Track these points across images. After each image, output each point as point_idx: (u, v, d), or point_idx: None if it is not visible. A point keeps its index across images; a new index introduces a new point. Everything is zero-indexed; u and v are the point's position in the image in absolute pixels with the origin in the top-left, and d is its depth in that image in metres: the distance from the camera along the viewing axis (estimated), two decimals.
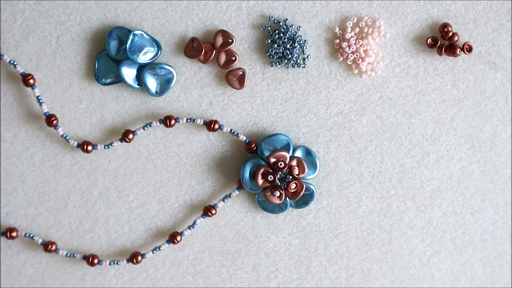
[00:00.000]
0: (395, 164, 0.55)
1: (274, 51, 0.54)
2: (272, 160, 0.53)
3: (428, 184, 0.56)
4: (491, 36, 0.55)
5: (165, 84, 0.54)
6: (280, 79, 0.55)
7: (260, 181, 0.53)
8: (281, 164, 0.52)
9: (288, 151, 0.53)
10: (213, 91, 0.55)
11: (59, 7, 0.54)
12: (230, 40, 0.54)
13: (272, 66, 0.55)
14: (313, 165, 0.54)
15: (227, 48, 0.54)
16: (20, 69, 0.54)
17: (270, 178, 0.53)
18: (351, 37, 0.54)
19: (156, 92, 0.54)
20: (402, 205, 0.56)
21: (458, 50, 0.54)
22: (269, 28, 0.54)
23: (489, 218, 0.56)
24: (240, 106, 0.55)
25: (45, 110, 0.54)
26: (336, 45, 0.54)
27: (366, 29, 0.54)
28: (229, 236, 0.56)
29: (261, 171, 0.53)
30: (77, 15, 0.54)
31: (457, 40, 0.54)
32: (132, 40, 0.53)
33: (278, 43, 0.54)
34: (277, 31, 0.54)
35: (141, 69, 0.54)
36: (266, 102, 0.55)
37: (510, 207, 0.56)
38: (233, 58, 0.54)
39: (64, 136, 0.54)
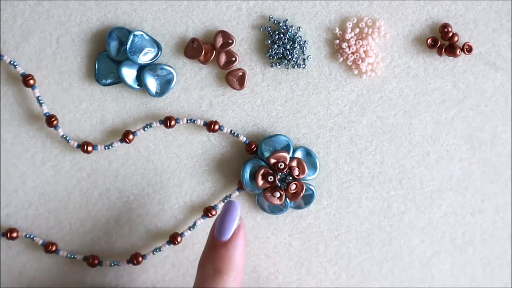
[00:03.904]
0: (395, 164, 0.55)
1: (274, 52, 0.54)
2: (272, 161, 0.53)
3: (428, 184, 0.56)
4: (491, 36, 0.55)
5: (165, 84, 0.54)
6: (280, 79, 0.55)
7: (260, 182, 0.53)
8: (281, 165, 0.52)
9: (288, 152, 0.53)
10: (213, 92, 0.55)
11: (59, 8, 0.54)
12: (230, 41, 0.54)
13: (272, 66, 0.55)
14: (313, 166, 0.54)
15: (227, 49, 0.54)
16: (20, 69, 0.54)
17: (270, 179, 0.53)
18: (351, 37, 0.54)
19: (156, 92, 0.54)
20: (402, 205, 0.56)
21: (458, 50, 0.54)
22: (269, 28, 0.54)
23: (489, 219, 0.56)
24: (240, 107, 0.55)
25: (45, 111, 0.54)
26: (336, 46, 0.54)
27: (366, 30, 0.54)
28: None
29: (261, 172, 0.53)
30: (77, 15, 0.54)
31: (457, 40, 0.54)
32: (132, 40, 0.53)
33: (278, 43, 0.54)
34: (277, 32, 0.54)
35: (141, 69, 0.54)
36: (266, 102, 0.55)
37: (510, 207, 0.56)
38: (233, 58, 0.54)
39: (64, 136, 0.54)
